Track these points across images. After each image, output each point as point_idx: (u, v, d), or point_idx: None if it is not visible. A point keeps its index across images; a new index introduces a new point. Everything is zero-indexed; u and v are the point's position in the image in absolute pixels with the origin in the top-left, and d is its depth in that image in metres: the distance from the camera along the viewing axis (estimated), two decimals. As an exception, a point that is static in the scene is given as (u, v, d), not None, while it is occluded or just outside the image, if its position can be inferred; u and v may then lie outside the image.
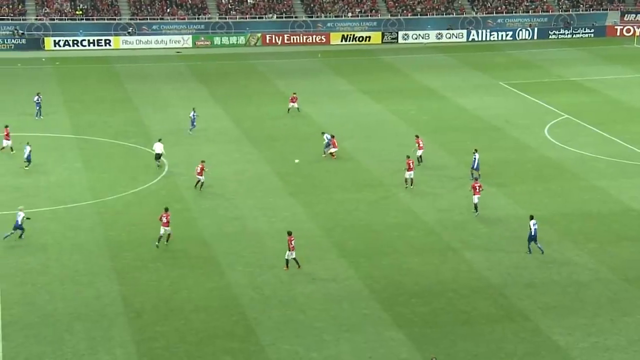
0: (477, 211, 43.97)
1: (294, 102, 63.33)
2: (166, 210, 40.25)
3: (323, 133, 54.77)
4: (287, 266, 37.73)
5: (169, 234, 40.06)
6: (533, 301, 35.38)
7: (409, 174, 47.54)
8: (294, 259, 37.70)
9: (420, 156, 51.42)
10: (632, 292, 36.37)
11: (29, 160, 50.34)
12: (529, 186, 48.64)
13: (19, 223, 40.47)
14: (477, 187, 44.10)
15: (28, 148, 50.52)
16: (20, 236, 40.60)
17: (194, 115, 58.28)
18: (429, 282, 37.12)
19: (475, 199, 44.04)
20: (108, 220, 43.29)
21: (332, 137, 53.24)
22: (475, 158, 49.05)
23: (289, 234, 37.73)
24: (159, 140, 51.72)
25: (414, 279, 37.39)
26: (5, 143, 53.29)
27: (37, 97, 61.55)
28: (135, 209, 44.91)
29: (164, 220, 39.69)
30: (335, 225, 42.97)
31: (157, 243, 39.87)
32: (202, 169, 47.04)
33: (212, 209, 44.75)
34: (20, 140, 56.26)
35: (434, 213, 44.52)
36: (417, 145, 51.53)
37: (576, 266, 38.71)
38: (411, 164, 47.52)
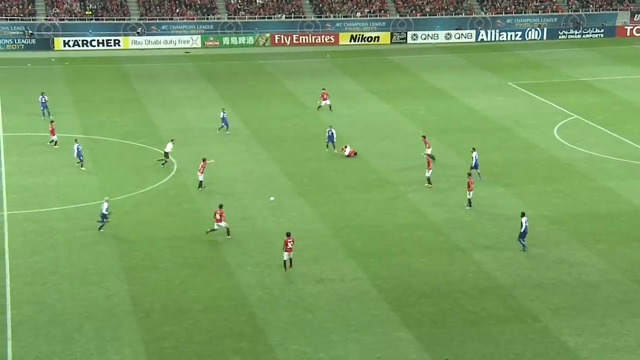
0: (470, 206, 44.70)
1: (326, 100, 63.51)
2: (220, 207, 40.91)
3: (330, 127, 54.77)
4: (291, 265, 37.69)
5: (227, 228, 40.88)
6: (542, 302, 35.32)
7: (429, 173, 47.73)
8: (285, 260, 37.54)
9: (428, 154, 51.67)
10: (641, 293, 36.31)
11: (79, 157, 50.46)
12: (538, 186, 48.57)
13: (104, 212, 41.25)
14: (471, 184, 44.73)
15: (76, 145, 50.67)
16: (100, 227, 41.60)
17: (224, 115, 58.19)
18: (438, 282, 37.10)
19: (470, 194, 44.63)
20: (117, 220, 43.36)
21: (355, 153, 53.45)
22: (474, 157, 49.13)
23: (288, 235, 37.66)
24: (171, 141, 51.93)
25: (422, 279, 37.38)
26: (53, 138, 54.35)
27: (41, 97, 61.70)
28: (145, 208, 45.01)
29: (217, 217, 40.48)
30: (343, 226, 42.98)
31: (207, 230, 40.94)
32: (202, 167, 47.18)
33: (221, 209, 44.82)
34: (32, 141, 56.55)
35: (443, 213, 44.50)
36: (425, 145, 51.84)
37: (585, 267, 38.64)
38: (430, 163, 47.92)
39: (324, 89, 64.86)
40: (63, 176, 49.84)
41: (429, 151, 51.76)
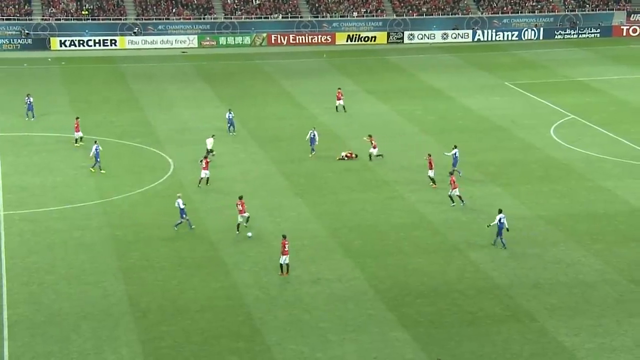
0: (463, 202, 44.96)
1: (340, 100, 63.34)
2: (240, 198, 41.65)
3: (314, 128, 54.59)
4: (284, 271, 37.40)
5: (247, 218, 41.47)
6: (539, 302, 35.35)
7: (431, 172, 47.84)
8: (287, 264, 37.41)
9: (372, 154, 52.14)
10: (638, 293, 36.32)
11: (96, 159, 49.99)
12: (535, 186, 48.60)
13: (182, 207, 41.72)
14: (454, 181, 45.10)
15: (94, 147, 50.37)
16: (177, 224, 41.90)
17: (229, 116, 57.89)
18: (435, 282, 37.11)
19: (457, 191, 44.82)
20: (114, 220, 43.38)
21: (356, 155, 53.34)
22: (455, 154, 49.19)
23: (284, 237, 37.58)
24: (212, 136, 52.67)
25: (419, 279, 37.39)
26: (77, 135, 54.47)
27: (27, 98, 61.41)
28: (142, 208, 44.98)
29: (240, 208, 41.04)
30: (340, 226, 42.98)
31: (237, 231, 41.35)
32: (207, 164, 47.52)
33: (218, 209, 44.78)
34: (29, 140, 56.55)
35: (440, 213, 44.51)
36: (371, 144, 52.33)
37: (582, 267, 38.67)
38: (432, 163, 48.02)
39: (339, 89, 64.82)
40: (60, 176, 49.78)
41: (374, 151, 52.01)
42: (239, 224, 41.51)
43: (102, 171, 49.98)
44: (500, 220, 39.93)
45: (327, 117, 62.43)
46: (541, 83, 73.98)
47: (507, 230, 40.21)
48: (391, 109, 65.15)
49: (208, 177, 47.82)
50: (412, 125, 60.88)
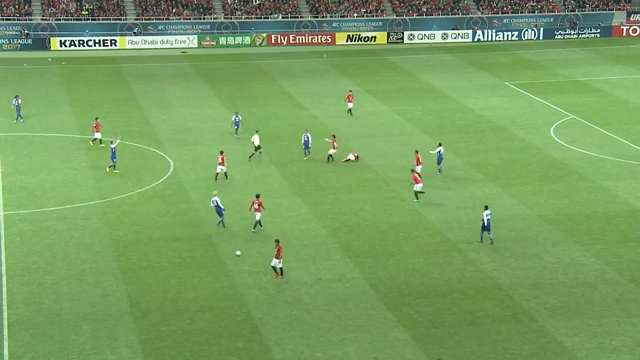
0: (418, 199, 45.57)
1: (350, 102, 62.97)
2: (257, 197, 41.81)
3: (306, 131, 54.45)
4: (280, 274, 37.40)
5: (255, 224, 41.70)
6: (539, 302, 35.35)
7: (418, 168, 47.91)
8: (280, 267, 37.26)
9: (331, 155, 52.26)
10: (638, 293, 36.32)
11: (113, 158, 49.96)
12: (535, 187, 48.61)
13: (220, 206, 41.88)
14: (419, 176, 45.54)
15: (112, 146, 50.27)
16: (219, 223, 42.17)
17: (236, 119, 57.63)
18: (435, 282, 37.12)
19: (418, 187, 45.22)
20: (114, 220, 43.38)
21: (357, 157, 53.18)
22: (439, 152, 49.39)
23: (277, 242, 37.44)
24: (256, 132, 53.22)
25: (419, 279, 37.39)
26: (97, 135, 54.62)
27: (15, 99, 61.20)
28: (141, 208, 44.98)
29: (256, 206, 41.34)
30: (340, 226, 42.99)
31: (253, 229, 41.69)
32: (222, 159, 48.20)
33: (218, 208, 44.82)
34: (29, 140, 56.54)
35: (439, 213, 44.52)
36: (332, 144, 52.41)
37: (582, 267, 38.68)
38: (419, 159, 48.16)
39: (350, 91, 64.65)
40: (60, 176, 49.79)
41: (332, 151, 52.14)
42: (259, 221, 41.77)
43: (107, 170, 49.99)
44: (486, 215, 40.17)
45: (327, 118, 62.39)
46: (541, 83, 73.99)
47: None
48: (391, 109, 65.15)
49: (225, 172, 48.46)
50: (411, 125, 60.88)
